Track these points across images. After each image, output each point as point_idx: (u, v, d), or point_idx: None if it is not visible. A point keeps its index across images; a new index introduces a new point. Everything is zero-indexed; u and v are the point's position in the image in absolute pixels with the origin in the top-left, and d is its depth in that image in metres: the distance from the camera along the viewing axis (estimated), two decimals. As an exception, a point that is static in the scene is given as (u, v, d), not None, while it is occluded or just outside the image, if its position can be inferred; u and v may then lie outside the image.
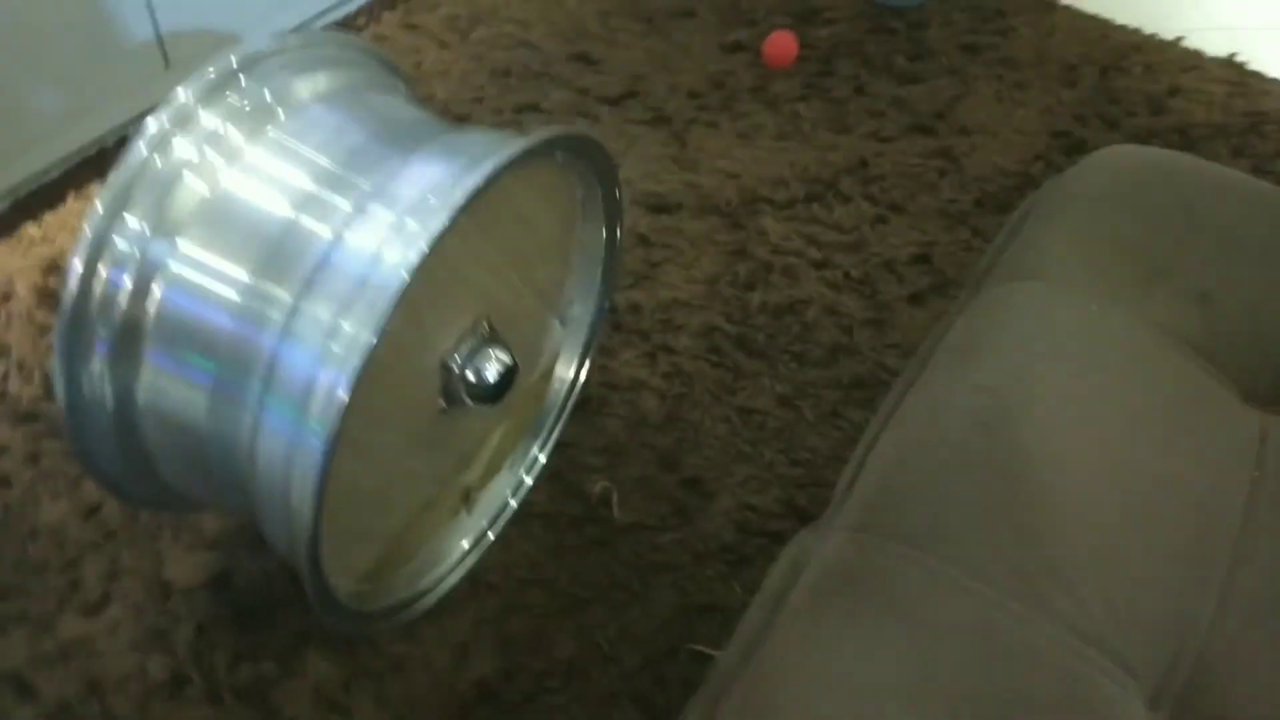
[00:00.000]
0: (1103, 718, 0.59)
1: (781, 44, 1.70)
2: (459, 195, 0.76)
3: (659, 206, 1.46)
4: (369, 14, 1.72)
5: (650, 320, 1.31)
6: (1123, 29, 1.83)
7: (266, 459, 0.81)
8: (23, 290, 1.27)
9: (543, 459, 1.14)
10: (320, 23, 1.69)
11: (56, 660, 0.97)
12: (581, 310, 1.12)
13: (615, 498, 1.13)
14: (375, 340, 0.73)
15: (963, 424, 0.72)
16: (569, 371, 1.15)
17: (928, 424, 0.74)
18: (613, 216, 1.05)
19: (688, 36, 1.76)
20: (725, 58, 1.73)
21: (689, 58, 1.72)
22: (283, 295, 0.79)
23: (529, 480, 1.13)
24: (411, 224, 0.77)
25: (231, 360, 0.81)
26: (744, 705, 0.59)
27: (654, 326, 1.30)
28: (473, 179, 0.77)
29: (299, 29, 1.64)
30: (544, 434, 1.14)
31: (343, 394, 0.73)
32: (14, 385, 1.18)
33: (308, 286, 0.79)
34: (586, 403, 1.20)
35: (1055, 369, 0.75)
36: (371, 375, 0.78)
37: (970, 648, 0.60)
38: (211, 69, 0.83)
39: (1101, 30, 1.83)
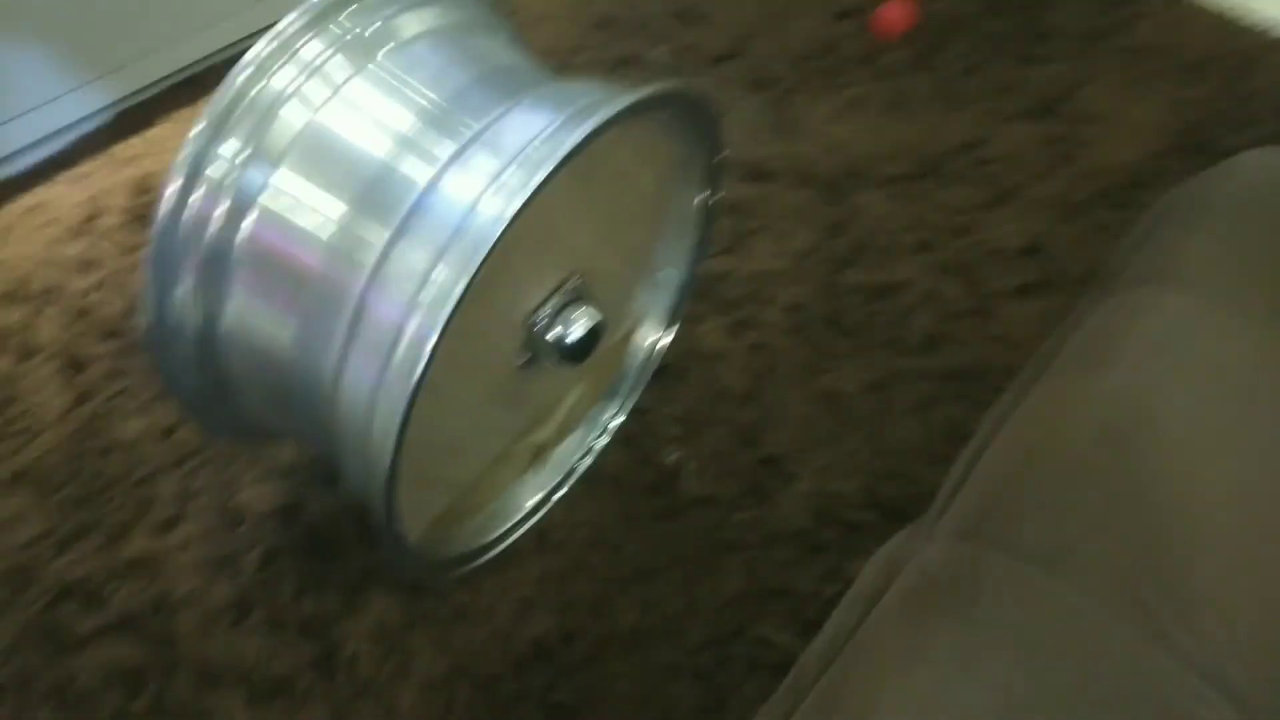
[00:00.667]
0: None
1: (894, 11, 1.63)
2: (563, 149, 0.73)
3: (754, 174, 1.41)
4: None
5: (737, 290, 1.27)
6: (1254, 29, 1.71)
7: (349, 399, 0.80)
8: (113, 208, 1.28)
9: (620, 421, 1.12)
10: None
11: (125, 573, 0.98)
12: (669, 275, 1.09)
13: (689, 469, 1.10)
14: (465, 292, 0.71)
15: (1089, 433, 0.67)
16: (652, 336, 1.12)
17: (1049, 430, 0.69)
18: (713, 182, 1.01)
19: (797, 1, 1.69)
20: (834, 24, 1.66)
21: (797, 21, 1.66)
22: (375, 238, 0.77)
23: (604, 441, 1.11)
24: (512, 175, 0.74)
25: (319, 298, 0.80)
26: (826, 712, 0.56)
27: (740, 297, 1.26)
28: (579, 132, 0.74)
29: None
30: (621, 397, 1.12)
31: (430, 344, 0.71)
32: (100, 301, 1.19)
33: (401, 231, 0.77)
34: (665, 369, 1.17)
35: (1193, 384, 0.70)
36: (457, 325, 0.76)
37: (1077, 678, 0.56)
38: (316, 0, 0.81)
39: (1233, 27, 1.71)
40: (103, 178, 1.31)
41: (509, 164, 0.74)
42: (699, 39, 1.60)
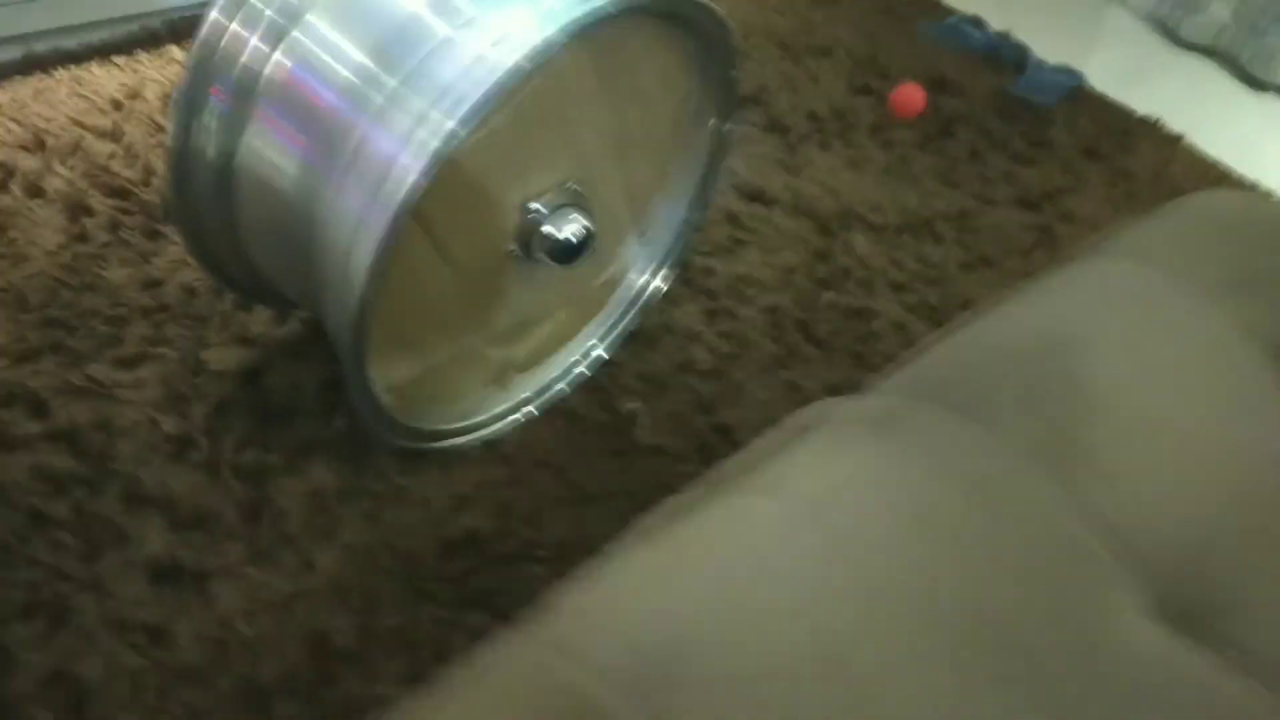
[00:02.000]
0: (1098, 600, 0.57)
1: (910, 94, 1.74)
2: (569, 18, 0.79)
3: (756, 196, 1.48)
4: None
5: (720, 284, 1.32)
6: (1241, 180, 1.84)
7: (337, 226, 0.84)
8: (151, 95, 1.34)
9: (598, 354, 1.14)
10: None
11: (76, 394, 0.99)
12: (663, 229, 1.14)
13: (645, 421, 1.12)
14: (459, 129, 0.75)
15: (1031, 335, 0.72)
16: (638, 282, 1.16)
17: (994, 332, 0.74)
18: (726, 112, 1.06)
19: (820, 70, 1.81)
20: (851, 96, 1.77)
21: (817, 87, 1.77)
22: (388, 80, 0.82)
23: (581, 368, 1.13)
24: (521, 33, 0.79)
25: (326, 133, 0.85)
26: (738, 482, 0.58)
27: (722, 290, 1.31)
28: (581, 10, 0.80)
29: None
30: (601, 334, 1.15)
31: (416, 174, 0.76)
32: (118, 165, 1.23)
33: (411, 75, 0.82)
34: (639, 335, 1.21)
35: (1133, 322, 0.75)
36: (454, 177, 0.80)
37: (986, 499, 0.59)
38: None
39: (1216, 171, 1.84)
40: (150, 69, 1.37)
41: (521, 25, 0.80)
42: (725, 80, 1.70)
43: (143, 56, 1.38)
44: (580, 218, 0.94)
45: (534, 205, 0.93)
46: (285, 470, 0.98)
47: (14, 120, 1.23)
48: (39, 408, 0.97)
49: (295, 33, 0.86)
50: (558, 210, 0.94)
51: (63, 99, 1.28)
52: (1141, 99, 2.02)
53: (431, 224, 0.85)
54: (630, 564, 0.55)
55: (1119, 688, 0.53)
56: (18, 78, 1.29)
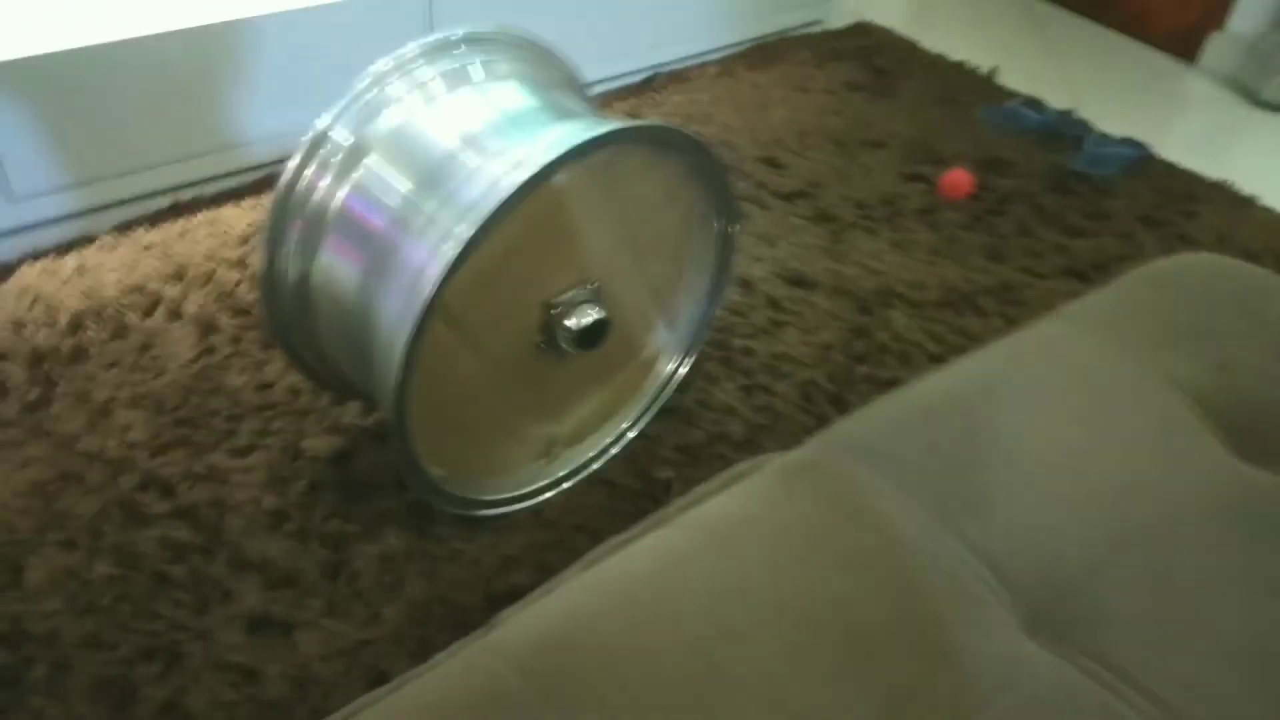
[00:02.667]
0: (969, 618, 0.65)
1: (958, 177, 1.84)
2: (566, 145, 0.95)
3: (796, 281, 1.61)
4: (605, 102, 2.03)
5: (757, 364, 1.44)
6: (1316, 235, 1.82)
7: (384, 328, 1.02)
8: (275, 229, 1.59)
9: (630, 435, 1.28)
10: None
11: (198, 478, 1.20)
12: (688, 319, 1.29)
13: (678, 488, 1.25)
14: (470, 234, 0.92)
15: (948, 394, 0.82)
16: (668, 367, 1.30)
17: (920, 391, 0.84)
18: (725, 243, 1.22)
19: (872, 161, 1.93)
20: (902, 184, 1.88)
21: (867, 178, 1.89)
22: (427, 205, 1.01)
23: (614, 450, 1.27)
24: (529, 159, 0.96)
25: (379, 252, 1.04)
26: (668, 522, 0.70)
27: (759, 369, 1.43)
28: (577, 139, 0.96)
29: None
30: (635, 415, 1.29)
31: (435, 270, 0.93)
32: (243, 289, 1.47)
33: (445, 200, 1.00)
34: (676, 411, 1.34)
35: (1046, 377, 0.83)
36: (480, 278, 0.97)
37: (871, 531, 0.69)
38: (439, 35, 1.09)
39: (1291, 232, 1.83)
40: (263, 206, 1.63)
41: (530, 155, 0.97)
42: (775, 179, 1.85)
43: (265, 198, 1.65)
44: (595, 311, 1.10)
45: (554, 302, 1.09)
46: (362, 537, 1.16)
47: (162, 257, 1.50)
48: (168, 490, 1.19)
49: (356, 173, 1.07)
50: (577, 306, 1.10)
51: (201, 238, 1.55)
52: (1214, 164, 2.04)
53: (459, 321, 1.02)
54: (563, 586, 0.68)
55: (980, 685, 0.62)
56: (166, 222, 1.57)
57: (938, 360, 1.47)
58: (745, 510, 0.71)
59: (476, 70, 1.10)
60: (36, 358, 1.31)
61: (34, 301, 1.39)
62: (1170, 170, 2.01)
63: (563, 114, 1.09)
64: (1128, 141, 2.05)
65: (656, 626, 0.62)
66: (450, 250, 0.93)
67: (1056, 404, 0.80)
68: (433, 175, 1.03)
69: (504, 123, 1.05)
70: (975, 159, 1.96)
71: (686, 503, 0.76)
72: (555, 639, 0.61)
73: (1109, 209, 1.87)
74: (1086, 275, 1.68)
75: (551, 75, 1.18)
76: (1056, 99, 2.22)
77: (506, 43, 1.15)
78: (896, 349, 1.50)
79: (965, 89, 2.22)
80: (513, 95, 1.09)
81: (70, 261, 1.47)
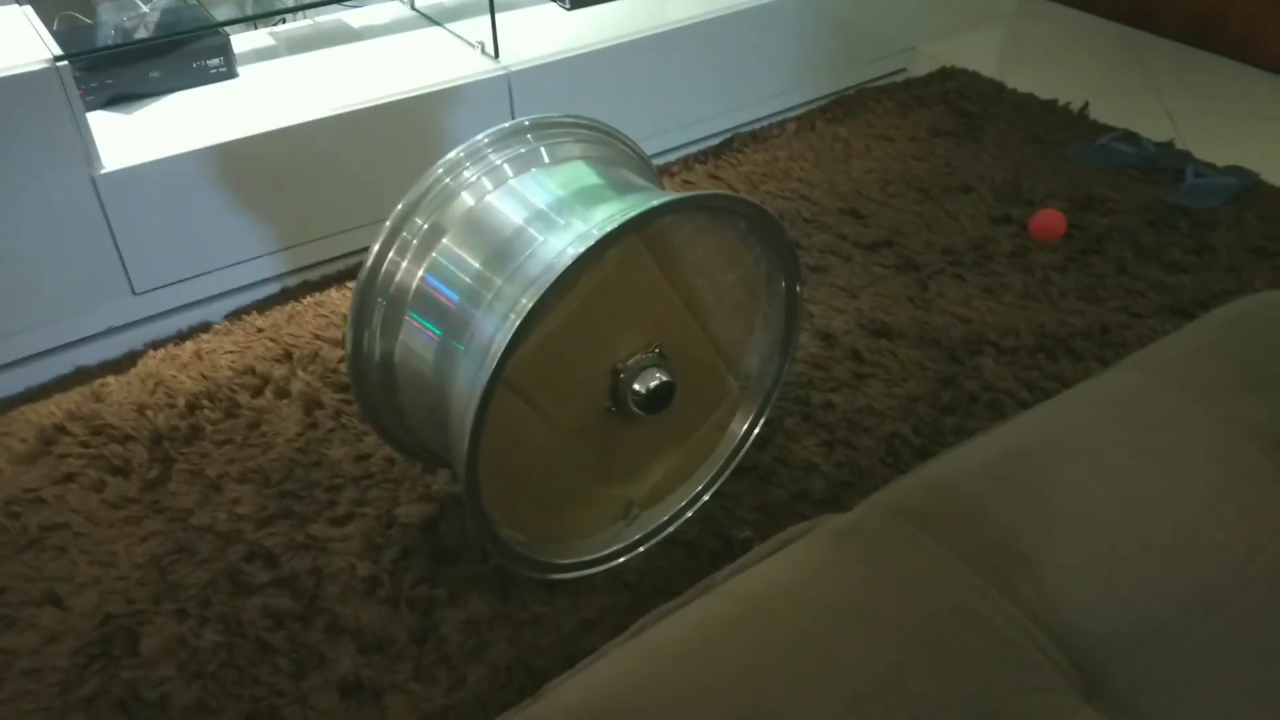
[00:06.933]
0: (1025, 686, 0.64)
1: (1049, 219, 1.79)
2: (616, 221, 0.99)
3: (880, 331, 1.59)
4: (685, 164, 2.07)
5: (840, 418, 1.43)
6: None
7: (458, 400, 1.06)
8: (373, 307, 1.68)
9: (705, 498, 1.30)
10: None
11: (299, 548, 1.27)
12: (760, 378, 1.29)
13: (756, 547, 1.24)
14: (531, 305, 0.96)
15: (1002, 453, 0.80)
16: (742, 427, 1.31)
17: (976, 450, 0.83)
18: (791, 300, 1.23)
19: (959, 207, 1.91)
20: (991, 227, 1.85)
21: (954, 223, 1.86)
22: (496, 280, 1.06)
23: (689, 513, 1.29)
24: (586, 234, 1.00)
25: (453, 327, 1.09)
26: (714, 589, 0.71)
27: (841, 423, 1.42)
28: (629, 213, 1.00)
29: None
30: (710, 477, 1.30)
31: (501, 341, 0.97)
32: (345, 369, 1.56)
33: (513, 274, 1.05)
34: (755, 468, 1.35)
35: (1109, 431, 0.81)
36: (547, 346, 1.01)
37: (921, 598, 0.68)
38: (509, 124, 1.15)
39: None
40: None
41: (588, 229, 1.01)
42: (857, 231, 1.84)
43: (367, 277, 1.75)
44: (661, 374, 1.12)
45: (621, 367, 1.12)
46: (449, 602, 1.20)
47: (271, 339, 1.60)
48: (271, 561, 1.26)
49: (433, 253, 1.13)
50: (643, 370, 1.12)
51: (308, 320, 1.65)
52: (1334, 186, 1.93)
53: (529, 389, 1.06)
54: (610, 655, 0.69)
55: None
56: (276, 306, 1.68)
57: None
58: (793, 577, 0.72)
59: (543, 153, 1.15)
60: (157, 438, 1.42)
61: (156, 386, 1.50)
62: (1282, 197, 1.92)
63: (623, 188, 1.12)
64: (1233, 170, 1.96)
65: (697, 702, 0.62)
66: (515, 321, 0.97)
67: (1122, 458, 0.78)
68: (501, 252, 1.08)
69: (568, 199, 1.10)
70: (1068, 198, 1.91)
71: (737, 568, 0.77)
72: (595, 712, 0.62)
73: (1213, 242, 1.79)
74: (1190, 313, 1.61)
75: (614, 153, 1.22)
76: (1156, 131, 2.15)
77: (572, 125, 1.20)
78: (986, 398, 1.47)
79: (1056, 127, 2.17)
80: (576, 174, 1.14)
81: (189, 347, 1.58)
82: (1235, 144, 2.12)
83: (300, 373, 1.54)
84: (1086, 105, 2.23)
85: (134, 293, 1.56)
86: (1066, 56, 2.56)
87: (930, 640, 0.66)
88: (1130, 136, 2.08)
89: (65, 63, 1.38)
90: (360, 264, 1.13)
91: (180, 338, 1.61)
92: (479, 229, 1.11)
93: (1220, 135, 2.16)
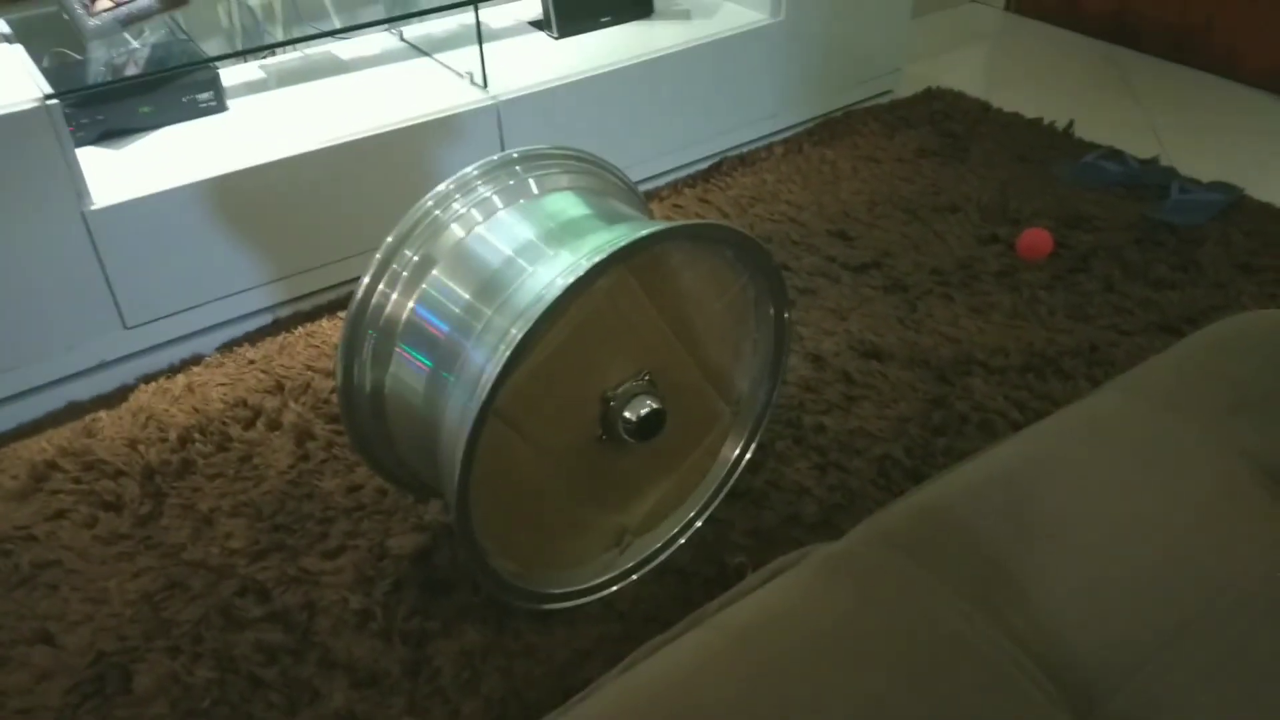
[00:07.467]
0: (1015, 715, 0.64)
1: (1036, 237, 1.80)
2: (609, 250, 0.99)
3: (870, 353, 1.60)
4: (674, 189, 2.08)
5: (831, 441, 1.44)
6: None
7: (449, 431, 1.07)
8: (364, 337, 1.69)
9: (698, 524, 1.30)
10: (643, 186, 2.08)
11: (291, 581, 1.27)
12: (750, 403, 1.30)
13: (750, 573, 1.24)
14: (521, 336, 0.96)
15: (989, 478, 0.81)
16: (733, 452, 1.31)
17: (962, 476, 0.83)
18: (779, 325, 1.23)
19: (946, 227, 1.92)
20: (978, 247, 1.86)
21: (942, 244, 1.87)
22: (486, 311, 1.06)
23: (681, 539, 1.29)
24: (574, 266, 1.01)
25: (443, 357, 1.09)
26: (702, 621, 0.71)
27: (832, 446, 1.43)
28: (620, 242, 1.00)
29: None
30: (703, 502, 1.30)
31: (491, 372, 0.97)
32: (336, 400, 1.56)
33: (502, 305, 1.06)
34: (748, 492, 1.35)
35: (1093, 450, 0.81)
36: (537, 376, 1.01)
37: (910, 627, 0.68)
38: (498, 156, 1.16)
39: None
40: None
41: (576, 261, 1.02)
42: (846, 253, 1.85)
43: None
44: (651, 401, 1.12)
45: (611, 395, 1.12)
46: (442, 633, 1.19)
47: (263, 371, 1.60)
48: (264, 595, 1.25)
49: (423, 285, 1.13)
50: (633, 398, 1.13)
51: (299, 351, 1.65)
52: (1319, 199, 1.94)
53: (519, 422, 1.06)
54: (600, 691, 0.69)
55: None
56: (268, 338, 1.68)
57: (1020, 429, 1.44)
58: (782, 608, 0.72)
59: (531, 185, 1.16)
60: (148, 472, 1.41)
61: (147, 420, 1.50)
62: (1268, 212, 1.93)
63: (611, 218, 1.13)
64: (1218, 186, 1.98)
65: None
66: (505, 352, 0.98)
67: (1108, 481, 0.78)
68: (490, 283, 1.09)
69: (557, 230, 1.10)
70: (1055, 217, 1.93)
71: (728, 599, 0.77)
72: (582, 746, 0.62)
73: (1200, 258, 1.80)
74: (1178, 329, 1.62)
75: (602, 183, 1.23)
76: (1141, 148, 2.17)
77: (560, 157, 1.21)
78: (977, 419, 1.47)
79: (1041, 146, 2.18)
80: (564, 205, 1.15)
81: (180, 380, 1.58)
82: (1219, 159, 2.14)
83: (292, 404, 1.54)
84: (1071, 123, 2.25)
85: (125, 327, 1.57)
86: (1051, 75, 2.59)
87: (920, 669, 0.66)
88: (1115, 154, 2.10)
89: (55, 101, 1.39)
90: (351, 295, 1.13)
91: (172, 371, 1.61)
92: (468, 260, 1.11)
93: (1204, 151, 2.18)
